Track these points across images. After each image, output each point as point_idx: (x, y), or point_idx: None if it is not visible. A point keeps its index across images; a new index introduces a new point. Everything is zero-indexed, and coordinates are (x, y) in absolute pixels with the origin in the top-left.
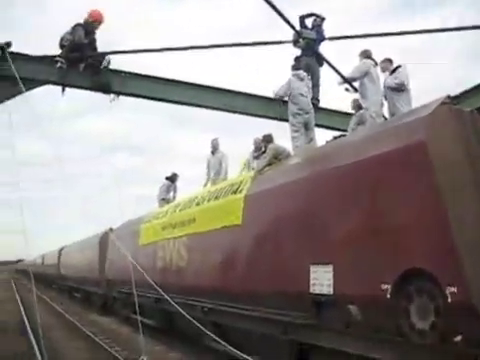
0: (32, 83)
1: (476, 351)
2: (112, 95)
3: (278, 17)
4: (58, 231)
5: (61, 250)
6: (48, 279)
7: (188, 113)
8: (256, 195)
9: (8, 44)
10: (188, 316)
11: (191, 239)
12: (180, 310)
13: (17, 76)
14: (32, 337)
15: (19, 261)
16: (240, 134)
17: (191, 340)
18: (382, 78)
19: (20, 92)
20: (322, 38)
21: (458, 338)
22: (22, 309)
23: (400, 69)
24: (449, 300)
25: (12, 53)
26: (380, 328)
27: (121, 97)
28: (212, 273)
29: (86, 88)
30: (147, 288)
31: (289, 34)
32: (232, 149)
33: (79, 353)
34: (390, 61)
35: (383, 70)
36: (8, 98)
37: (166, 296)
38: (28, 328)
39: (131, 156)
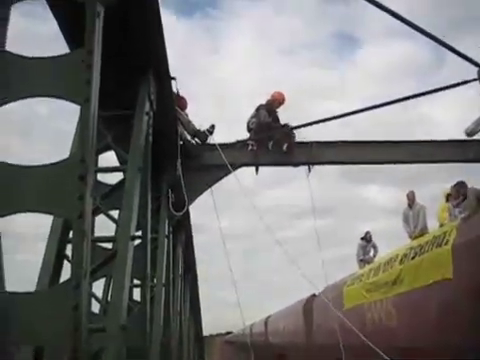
0: (232, 167)
1: None
2: (308, 167)
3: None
4: (261, 300)
5: (267, 319)
6: (257, 347)
7: (362, 169)
8: (467, 244)
9: (213, 126)
10: None
11: (399, 299)
12: None
13: (227, 163)
14: None
15: (228, 333)
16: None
17: None
18: None
19: (226, 175)
20: None
21: None
22: None
23: None
24: None
25: (215, 144)
26: None
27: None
28: (426, 332)
29: (278, 165)
30: (357, 352)
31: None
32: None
33: None
34: None
35: None
36: (213, 183)
37: (386, 357)
38: None
39: (320, 219)
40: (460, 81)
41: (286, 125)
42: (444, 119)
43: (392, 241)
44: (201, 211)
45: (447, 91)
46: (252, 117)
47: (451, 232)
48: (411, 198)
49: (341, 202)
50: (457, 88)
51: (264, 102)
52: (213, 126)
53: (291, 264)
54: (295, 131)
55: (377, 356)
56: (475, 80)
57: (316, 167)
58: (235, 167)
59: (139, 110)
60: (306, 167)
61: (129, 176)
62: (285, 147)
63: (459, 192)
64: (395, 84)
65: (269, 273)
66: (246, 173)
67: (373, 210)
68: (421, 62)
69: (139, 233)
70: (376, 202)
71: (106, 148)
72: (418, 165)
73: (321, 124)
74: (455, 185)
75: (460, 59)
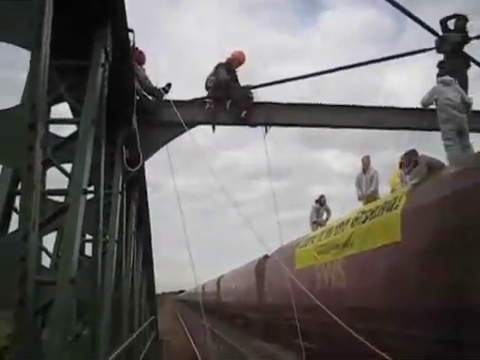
0: (188, 125)
1: None
2: (264, 127)
3: (405, 25)
4: (215, 260)
5: (220, 279)
6: (208, 307)
7: (320, 133)
8: (416, 210)
9: (169, 85)
10: (362, 339)
11: (349, 261)
12: (353, 333)
13: (182, 121)
14: None
15: (180, 291)
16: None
17: None
18: None
19: (181, 133)
20: (467, 39)
21: None
22: (190, 337)
23: None
24: None
25: (171, 101)
26: None
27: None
28: (373, 294)
29: (235, 124)
30: (307, 312)
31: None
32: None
33: None
34: None
35: None
36: (167, 142)
37: (337, 320)
38: (198, 355)
39: (275, 181)
40: (418, 49)
41: (246, 86)
42: (407, 87)
43: (346, 205)
44: (157, 170)
45: (412, 60)
46: (211, 75)
47: (401, 198)
48: (366, 163)
49: (298, 165)
50: (421, 58)
51: (224, 61)
52: (169, 85)
53: (245, 225)
54: (254, 91)
55: (327, 316)
56: (432, 49)
57: (275, 130)
58: (192, 125)
59: (94, 61)
60: (263, 128)
61: (82, 128)
62: (244, 114)
63: (410, 159)
64: (358, 50)
65: (224, 233)
66: (204, 133)
67: (329, 174)
68: (384, 29)
69: (92, 188)
70: (333, 167)
71: (60, 99)
72: (378, 132)
73: (288, 89)
74: (407, 153)
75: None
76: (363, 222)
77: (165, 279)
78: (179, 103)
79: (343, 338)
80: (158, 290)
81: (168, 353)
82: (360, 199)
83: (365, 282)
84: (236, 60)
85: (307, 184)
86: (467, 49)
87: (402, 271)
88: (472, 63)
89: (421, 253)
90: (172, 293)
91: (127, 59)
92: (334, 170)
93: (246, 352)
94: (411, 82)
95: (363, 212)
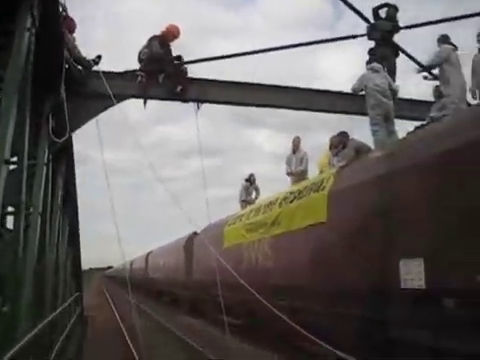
0: (118, 98)
1: None
2: (196, 104)
3: (342, 12)
4: (143, 236)
5: (148, 255)
6: (137, 283)
7: (256, 112)
8: (340, 192)
9: (99, 57)
10: (281, 314)
11: (276, 240)
12: (273, 309)
13: (110, 92)
14: (128, 339)
15: (108, 268)
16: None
17: (279, 339)
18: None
19: (111, 106)
20: (397, 28)
21: None
22: (117, 313)
23: None
24: None
25: (99, 72)
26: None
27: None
28: (298, 272)
29: (166, 99)
30: (233, 289)
31: (358, 27)
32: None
33: (171, 353)
34: None
35: None
36: (98, 113)
37: (258, 296)
38: (124, 331)
39: (207, 159)
40: (349, 35)
41: (179, 58)
42: (342, 72)
43: (276, 185)
44: (87, 142)
45: (347, 45)
46: (144, 47)
47: (328, 179)
48: (296, 143)
49: (231, 144)
50: (356, 44)
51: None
52: (100, 56)
53: (173, 202)
54: (187, 67)
55: (251, 293)
56: (364, 36)
57: (213, 108)
58: (122, 98)
59: (20, 25)
60: (196, 104)
61: (5, 95)
62: (179, 89)
63: (340, 142)
64: (294, 33)
65: (153, 210)
66: (137, 107)
67: (261, 154)
68: (323, 16)
69: (16, 159)
70: (265, 146)
71: None
72: (314, 115)
73: (232, 68)
74: (338, 134)
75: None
76: (291, 202)
77: (93, 255)
78: (109, 75)
79: (265, 315)
80: (85, 266)
81: (93, 329)
82: (289, 175)
83: (291, 261)
84: (170, 34)
85: (239, 163)
86: (397, 38)
87: (327, 251)
88: (400, 52)
89: (346, 233)
90: (100, 269)
91: (56, 25)
92: (266, 150)
93: (172, 327)
94: (346, 67)
95: (291, 192)
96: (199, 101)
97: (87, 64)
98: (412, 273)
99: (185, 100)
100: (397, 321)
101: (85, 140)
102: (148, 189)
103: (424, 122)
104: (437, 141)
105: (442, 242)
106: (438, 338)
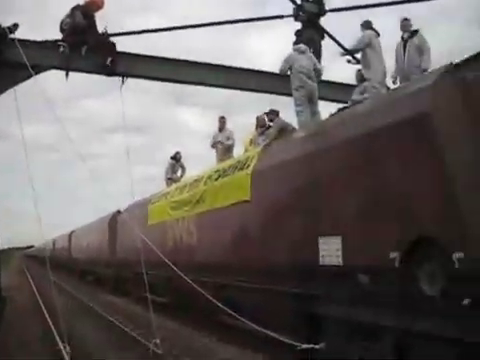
0: (37, 69)
1: None
2: (121, 78)
3: None
4: (66, 214)
5: (71, 234)
6: (60, 263)
7: (186, 90)
8: (264, 170)
9: (15, 25)
10: (202, 291)
11: (201, 217)
12: (194, 286)
13: (27, 62)
14: (49, 319)
15: (29, 247)
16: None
17: (203, 316)
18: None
19: (28, 77)
20: (323, 11)
21: (466, 302)
22: (37, 293)
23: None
24: (456, 266)
25: (15, 39)
26: (390, 296)
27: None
28: (222, 250)
29: (90, 72)
30: (158, 267)
31: (288, 8)
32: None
33: (94, 332)
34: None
35: (403, 29)
36: (15, 84)
37: (179, 273)
38: (45, 311)
39: (134, 136)
40: (276, 15)
41: (104, 33)
42: (271, 52)
43: (202, 163)
44: (7, 116)
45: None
46: (66, 17)
47: (252, 158)
48: (222, 123)
49: (160, 121)
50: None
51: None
52: (16, 25)
53: (95, 180)
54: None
55: (174, 271)
56: (290, 16)
57: (145, 85)
58: (42, 69)
59: None
60: (120, 79)
61: None
62: (109, 61)
63: (265, 120)
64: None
65: (75, 187)
66: (59, 79)
67: (190, 132)
68: None
69: None
70: (194, 124)
71: None
72: (247, 94)
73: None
74: (268, 112)
75: None
76: (216, 180)
77: (12, 235)
78: (28, 43)
79: (189, 292)
80: (3, 245)
81: (12, 308)
82: (213, 147)
83: (215, 238)
84: (94, 4)
85: (167, 140)
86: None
87: (251, 228)
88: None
89: (269, 211)
90: (20, 248)
91: None
92: (196, 128)
93: (94, 306)
94: (275, 47)
95: (216, 170)
96: (127, 75)
97: (2, 32)
98: (331, 250)
99: (111, 74)
100: (318, 297)
101: (4, 113)
102: (70, 166)
103: (347, 104)
104: (356, 123)
105: (359, 221)
106: (354, 313)
